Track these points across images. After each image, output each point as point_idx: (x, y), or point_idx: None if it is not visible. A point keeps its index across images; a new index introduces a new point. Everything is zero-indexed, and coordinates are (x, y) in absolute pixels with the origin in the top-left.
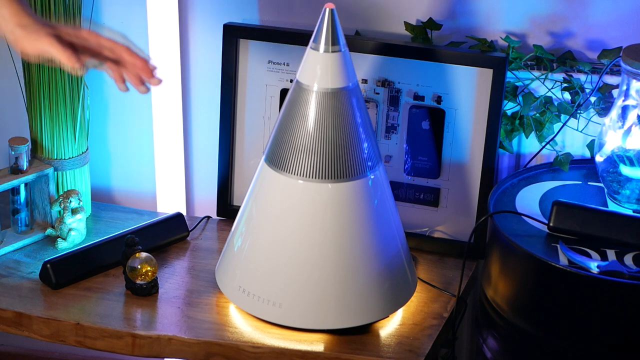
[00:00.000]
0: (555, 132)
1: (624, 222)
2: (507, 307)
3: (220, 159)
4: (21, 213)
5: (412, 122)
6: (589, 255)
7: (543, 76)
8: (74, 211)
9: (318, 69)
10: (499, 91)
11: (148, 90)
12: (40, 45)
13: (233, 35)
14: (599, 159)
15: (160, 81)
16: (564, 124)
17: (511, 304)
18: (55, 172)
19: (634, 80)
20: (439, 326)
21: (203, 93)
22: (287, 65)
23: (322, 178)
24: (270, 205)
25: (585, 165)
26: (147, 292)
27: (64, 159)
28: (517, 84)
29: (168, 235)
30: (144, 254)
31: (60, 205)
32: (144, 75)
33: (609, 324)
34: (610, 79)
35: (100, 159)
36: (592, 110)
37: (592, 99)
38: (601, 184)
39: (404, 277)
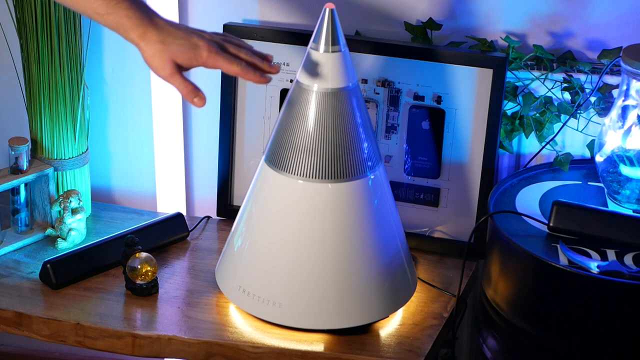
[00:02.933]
0: (555, 132)
1: (624, 222)
2: (507, 307)
3: (220, 159)
4: (21, 213)
5: (412, 122)
6: (589, 255)
7: (543, 76)
8: (74, 211)
9: (318, 69)
10: (499, 91)
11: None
12: (165, 74)
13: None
14: (599, 159)
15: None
16: (564, 124)
17: (511, 304)
18: (55, 172)
19: (634, 80)
20: (439, 326)
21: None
22: (287, 65)
23: (322, 178)
24: (270, 205)
25: (585, 165)
26: (147, 292)
27: (64, 159)
28: (517, 84)
29: (168, 235)
30: (144, 254)
31: (60, 205)
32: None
33: (609, 324)
34: (610, 79)
35: (100, 159)
36: (592, 110)
37: (592, 99)
38: (601, 184)
39: (404, 277)
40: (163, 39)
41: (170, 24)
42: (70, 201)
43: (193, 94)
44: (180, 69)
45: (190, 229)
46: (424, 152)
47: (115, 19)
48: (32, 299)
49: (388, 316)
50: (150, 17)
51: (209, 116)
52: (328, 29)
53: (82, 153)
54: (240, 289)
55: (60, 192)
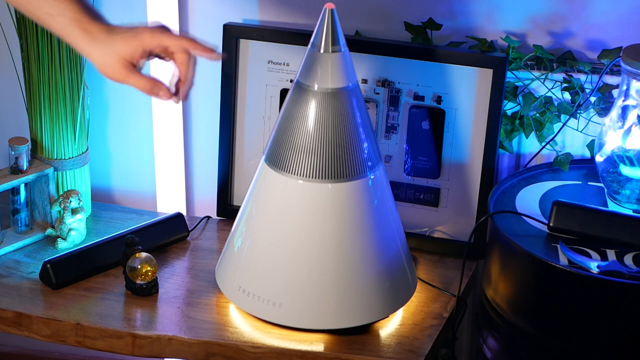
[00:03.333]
0: (555, 132)
1: (624, 222)
2: (507, 307)
3: (220, 159)
4: (21, 213)
5: (412, 122)
6: (589, 255)
7: (543, 76)
8: (74, 211)
9: (318, 69)
10: (499, 91)
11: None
12: (120, 77)
13: (233, 35)
14: (599, 159)
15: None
16: (564, 124)
17: (511, 304)
18: (55, 172)
19: (634, 80)
20: (439, 326)
21: (203, 93)
22: (287, 65)
23: (322, 178)
24: (270, 205)
25: (585, 165)
26: (147, 292)
27: (64, 159)
28: (517, 84)
29: (168, 235)
30: (144, 254)
31: (60, 205)
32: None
33: (609, 324)
34: (610, 79)
35: (100, 159)
36: (592, 110)
37: (592, 99)
38: (601, 184)
39: (404, 277)
40: (109, 39)
41: (120, 26)
42: (70, 201)
43: (155, 87)
44: (134, 67)
45: (190, 229)
46: (424, 152)
47: (65, 21)
48: (32, 299)
49: (388, 316)
50: (100, 21)
51: (209, 116)
52: (328, 29)
53: (82, 153)
54: (240, 289)
55: (60, 192)
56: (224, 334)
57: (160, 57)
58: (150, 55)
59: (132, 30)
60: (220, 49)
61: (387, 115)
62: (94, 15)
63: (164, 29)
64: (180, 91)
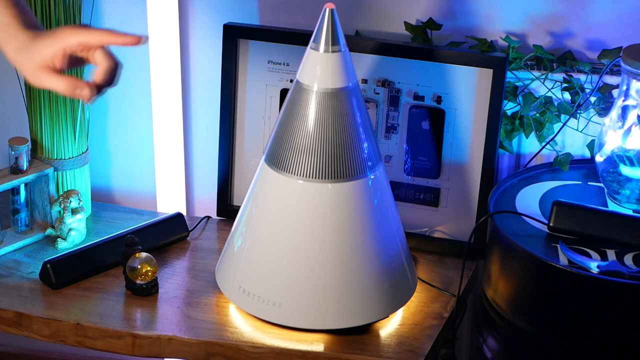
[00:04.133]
0: (555, 132)
1: (624, 222)
2: (507, 307)
3: (220, 159)
4: (21, 213)
5: (412, 122)
6: (589, 255)
7: (543, 76)
8: (74, 211)
9: (318, 69)
10: (499, 91)
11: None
12: (39, 81)
13: (233, 35)
14: (599, 159)
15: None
16: (564, 124)
17: (511, 304)
18: (55, 172)
19: (634, 80)
20: (439, 326)
21: (203, 93)
22: (287, 65)
23: (322, 178)
24: (270, 205)
25: (585, 165)
26: (147, 292)
27: (64, 159)
28: (517, 84)
29: (168, 235)
30: (144, 254)
31: (60, 205)
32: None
33: (609, 324)
34: (610, 79)
35: (100, 159)
36: (592, 110)
37: (592, 99)
38: (601, 184)
39: (404, 277)
40: (33, 46)
41: (44, 31)
42: (70, 201)
43: (77, 88)
44: (55, 70)
45: (190, 229)
46: (424, 152)
47: None
48: (32, 299)
49: (388, 316)
50: (30, 28)
51: (209, 116)
52: (328, 29)
53: (82, 153)
54: (240, 289)
55: (60, 192)
56: (224, 334)
57: (83, 61)
58: (73, 57)
59: (53, 32)
60: (148, 36)
61: (387, 115)
62: (26, 22)
63: (83, 26)
64: (96, 88)
